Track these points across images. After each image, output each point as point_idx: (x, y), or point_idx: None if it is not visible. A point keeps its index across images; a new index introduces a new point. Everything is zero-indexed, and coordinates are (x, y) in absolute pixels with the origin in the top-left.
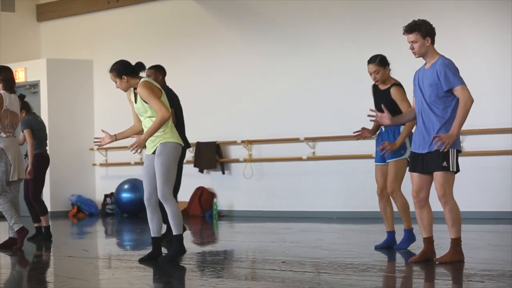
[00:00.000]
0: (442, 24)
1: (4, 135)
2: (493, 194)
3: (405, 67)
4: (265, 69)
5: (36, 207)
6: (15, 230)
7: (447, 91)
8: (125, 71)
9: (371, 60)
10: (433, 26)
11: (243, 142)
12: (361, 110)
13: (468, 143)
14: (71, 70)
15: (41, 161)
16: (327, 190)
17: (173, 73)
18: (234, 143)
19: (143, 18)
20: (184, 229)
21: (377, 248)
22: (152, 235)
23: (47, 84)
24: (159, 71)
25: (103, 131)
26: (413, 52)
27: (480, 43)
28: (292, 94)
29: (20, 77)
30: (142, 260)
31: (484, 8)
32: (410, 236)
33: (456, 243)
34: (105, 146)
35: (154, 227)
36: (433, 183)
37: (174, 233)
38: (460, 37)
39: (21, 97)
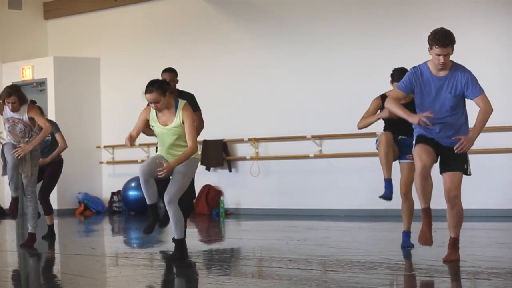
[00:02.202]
0: (450, 22)
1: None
2: (500, 192)
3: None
4: (272, 67)
5: (43, 206)
6: (31, 231)
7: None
8: (167, 88)
9: (397, 78)
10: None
11: (250, 140)
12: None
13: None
14: (78, 68)
15: (62, 166)
16: (334, 188)
17: (180, 71)
18: (241, 141)
19: (150, 16)
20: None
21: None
22: (148, 203)
23: (54, 82)
24: (176, 74)
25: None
26: (442, 64)
27: (487, 42)
28: (299, 92)
29: (27, 75)
30: (146, 231)
31: (493, 6)
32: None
33: (456, 242)
34: (112, 144)
35: (150, 194)
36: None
37: (176, 237)
38: (468, 36)
39: (33, 102)
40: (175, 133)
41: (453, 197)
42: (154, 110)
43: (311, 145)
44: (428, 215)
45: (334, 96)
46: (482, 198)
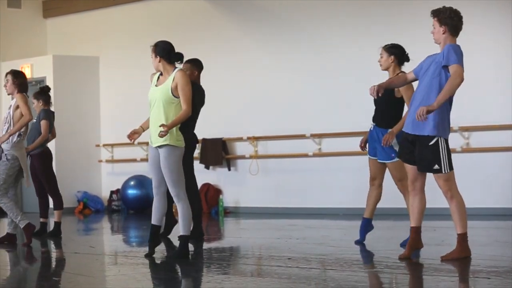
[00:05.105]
0: None
1: (18, 139)
2: (499, 190)
3: (414, 64)
4: (271, 66)
5: (54, 201)
6: (22, 227)
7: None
8: (163, 53)
9: (385, 45)
10: (457, 18)
11: (249, 138)
12: (367, 107)
13: (474, 139)
14: (77, 66)
15: (49, 158)
16: (333, 187)
17: None
18: (240, 139)
19: (149, 14)
20: (202, 234)
21: (357, 243)
22: (152, 222)
23: (53, 81)
24: (195, 66)
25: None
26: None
27: (487, 42)
28: (298, 91)
29: (26, 73)
30: (148, 255)
31: (493, 6)
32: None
33: (463, 238)
34: (111, 142)
35: (156, 215)
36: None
37: (182, 233)
38: (468, 36)
39: (47, 89)
40: (163, 94)
41: (445, 192)
42: (157, 75)
43: (310, 143)
44: (413, 234)
45: (333, 95)
46: (482, 197)
